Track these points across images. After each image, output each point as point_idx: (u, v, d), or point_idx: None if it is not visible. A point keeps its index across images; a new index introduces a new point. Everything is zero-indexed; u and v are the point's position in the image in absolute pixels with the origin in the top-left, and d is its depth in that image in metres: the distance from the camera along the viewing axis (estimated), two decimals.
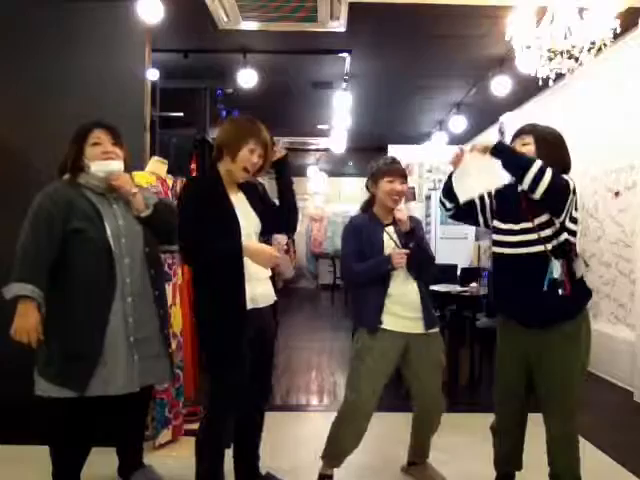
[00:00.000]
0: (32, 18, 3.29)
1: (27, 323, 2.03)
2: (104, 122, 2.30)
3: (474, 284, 4.62)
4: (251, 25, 4.41)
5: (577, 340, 2.14)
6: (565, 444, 2.21)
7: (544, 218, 2.13)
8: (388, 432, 3.08)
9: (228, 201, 2.21)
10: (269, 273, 2.35)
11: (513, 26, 3.09)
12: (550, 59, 3.04)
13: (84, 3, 3.28)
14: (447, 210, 2.40)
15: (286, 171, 2.40)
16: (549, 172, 2.01)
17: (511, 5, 3.23)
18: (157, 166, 3.08)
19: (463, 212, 2.37)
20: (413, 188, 8.60)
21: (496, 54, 4.92)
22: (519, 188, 2.18)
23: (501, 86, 5.17)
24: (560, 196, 2.05)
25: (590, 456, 2.97)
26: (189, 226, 2.15)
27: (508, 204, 2.24)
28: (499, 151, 2.12)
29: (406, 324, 2.42)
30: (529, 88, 5.35)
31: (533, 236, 2.13)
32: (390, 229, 2.54)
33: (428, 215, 7.69)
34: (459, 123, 6.79)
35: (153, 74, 3.95)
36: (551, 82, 3.30)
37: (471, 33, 4.54)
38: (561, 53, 3.00)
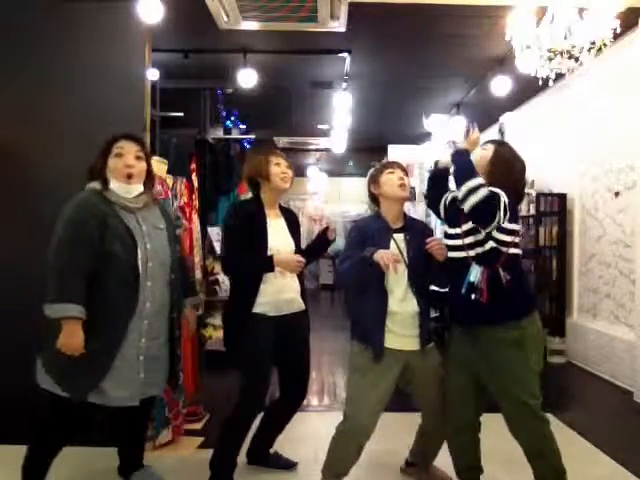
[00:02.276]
0: (32, 18, 3.29)
1: (74, 343, 2.06)
2: (130, 133, 2.31)
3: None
4: (251, 25, 4.41)
5: (511, 346, 2.15)
6: (536, 451, 2.20)
7: (469, 225, 2.20)
8: (388, 432, 3.08)
9: (264, 221, 2.51)
10: (298, 288, 2.60)
11: (513, 26, 3.09)
12: (550, 59, 3.04)
13: (84, 3, 3.28)
14: (425, 197, 2.54)
15: (324, 247, 2.75)
16: (483, 192, 2.08)
17: (511, 5, 3.23)
18: (157, 166, 3.07)
19: (434, 202, 2.48)
20: (413, 188, 8.59)
21: (496, 54, 4.92)
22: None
23: (501, 86, 5.17)
24: (485, 215, 2.11)
25: (590, 456, 2.97)
26: (231, 248, 2.49)
27: (453, 210, 2.33)
28: (461, 154, 2.22)
29: (404, 342, 2.37)
30: (529, 88, 5.35)
31: (459, 241, 2.23)
32: (399, 236, 2.42)
33: (428, 215, 7.68)
34: (459, 123, 6.78)
35: (153, 74, 3.94)
36: (551, 82, 3.30)
37: (471, 33, 4.54)
38: (561, 53, 3.00)
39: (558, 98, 5.72)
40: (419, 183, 8.51)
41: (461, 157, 2.22)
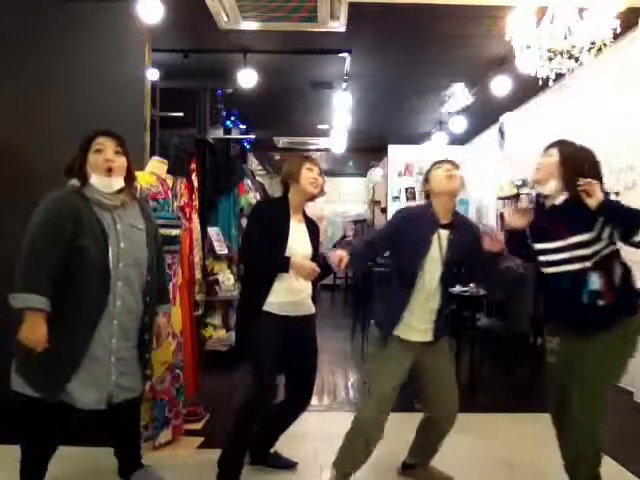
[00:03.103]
0: (32, 18, 3.29)
1: (34, 335, 2.04)
2: (109, 130, 2.30)
3: (474, 284, 4.62)
4: (251, 25, 4.41)
5: (615, 349, 2.12)
6: (581, 457, 2.18)
7: (582, 237, 2.14)
8: (388, 432, 3.07)
9: (287, 222, 2.55)
10: (309, 291, 2.63)
11: (513, 26, 3.09)
12: (550, 59, 3.04)
13: (84, 3, 3.28)
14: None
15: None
16: None
17: (511, 5, 3.23)
18: (157, 166, 3.08)
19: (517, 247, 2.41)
20: (413, 188, 8.60)
21: (496, 54, 4.92)
22: (546, 205, 2.27)
23: (501, 86, 5.17)
24: None
25: None
26: (251, 243, 2.53)
27: (540, 224, 2.27)
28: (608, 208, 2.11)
29: (418, 334, 2.42)
30: (529, 88, 5.35)
31: (565, 255, 2.16)
32: (445, 232, 2.40)
33: None
34: (459, 123, 6.79)
35: (153, 74, 3.94)
36: (551, 82, 3.29)
37: (471, 33, 4.54)
38: (561, 53, 3.00)
39: (558, 98, 5.72)
40: (418, 182, 8.54)
41: (610, 203, 2.11)
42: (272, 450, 2.79)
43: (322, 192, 2.67)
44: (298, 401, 2.68)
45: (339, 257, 2.30)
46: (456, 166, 2.45)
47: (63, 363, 2.12)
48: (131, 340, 2.28)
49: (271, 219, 2.53)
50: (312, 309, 2.66)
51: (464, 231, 2.42)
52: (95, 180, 2.22)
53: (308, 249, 2.61)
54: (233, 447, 2.51)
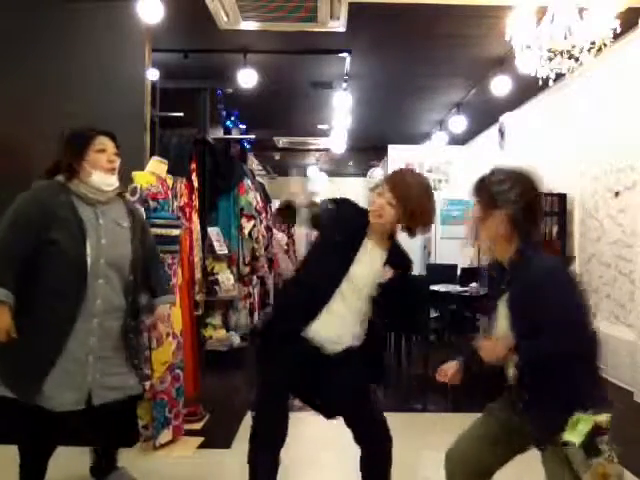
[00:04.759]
0: (32, 18, 3.29)
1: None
2: (109, 131, 2.29)
3: (474, 284, 4.62)
4: (251, 25, 4.41)
5: None
6: None
7: None
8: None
9: (357, 244, 2.09)
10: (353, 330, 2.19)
11: (513, 26, 3.09)
12: (550, 59, 3.04)
13: (84, 3, 3.28)
14: None
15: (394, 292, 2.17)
16: None
17: (511, 5, 3.23)
18: (157, 166, 3.08)
19: None
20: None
21: (496, 54, 4.92)
22: None
23: (501, 86, 5.17)
24: None
25: None
26: (312, 255, 2.22)
27: None
28: None
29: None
30: (529, 88, 5.35)
31: None
32: (505, 296, 1.68)
33: None
34: (459, 123, 6.79)
35: (153, 74, 3.94)
36: (551, 82, 3.29)
37: (471, 33, 4.54)
38: (561, 53, 3.00)
39: (558, 98, 5.72)
40: None
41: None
42: None
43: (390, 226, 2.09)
44: (368, 446, 2.24)
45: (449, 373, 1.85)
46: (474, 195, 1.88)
47: (37, 361, 2.06)
48: (115, 340, 2.20)
49: (345, 231, 2.10)
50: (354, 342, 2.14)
51: (521, 285, 1.62)
52: (97, 177, 2.19)
53: (370, 280, 2.09)
54: None
